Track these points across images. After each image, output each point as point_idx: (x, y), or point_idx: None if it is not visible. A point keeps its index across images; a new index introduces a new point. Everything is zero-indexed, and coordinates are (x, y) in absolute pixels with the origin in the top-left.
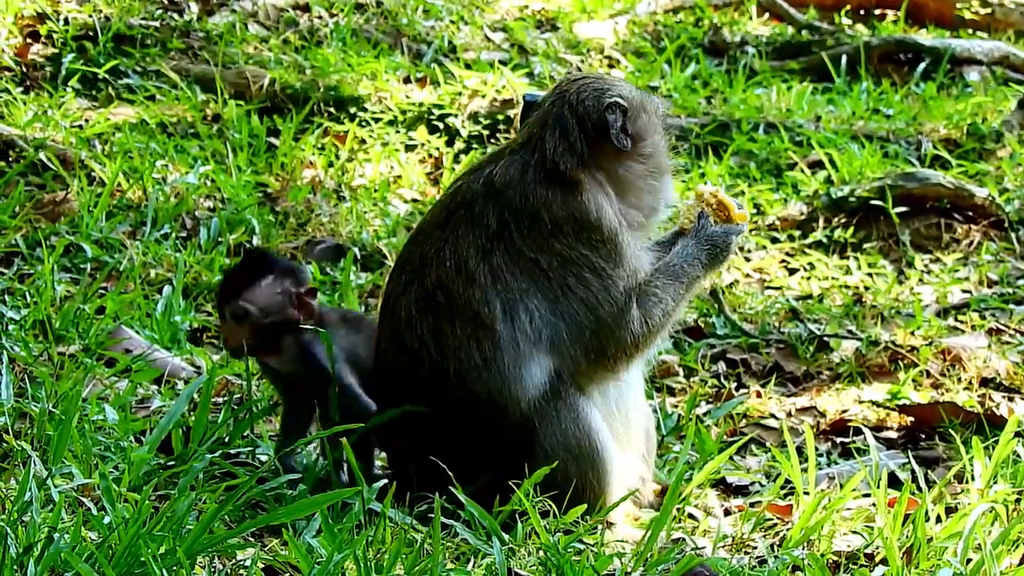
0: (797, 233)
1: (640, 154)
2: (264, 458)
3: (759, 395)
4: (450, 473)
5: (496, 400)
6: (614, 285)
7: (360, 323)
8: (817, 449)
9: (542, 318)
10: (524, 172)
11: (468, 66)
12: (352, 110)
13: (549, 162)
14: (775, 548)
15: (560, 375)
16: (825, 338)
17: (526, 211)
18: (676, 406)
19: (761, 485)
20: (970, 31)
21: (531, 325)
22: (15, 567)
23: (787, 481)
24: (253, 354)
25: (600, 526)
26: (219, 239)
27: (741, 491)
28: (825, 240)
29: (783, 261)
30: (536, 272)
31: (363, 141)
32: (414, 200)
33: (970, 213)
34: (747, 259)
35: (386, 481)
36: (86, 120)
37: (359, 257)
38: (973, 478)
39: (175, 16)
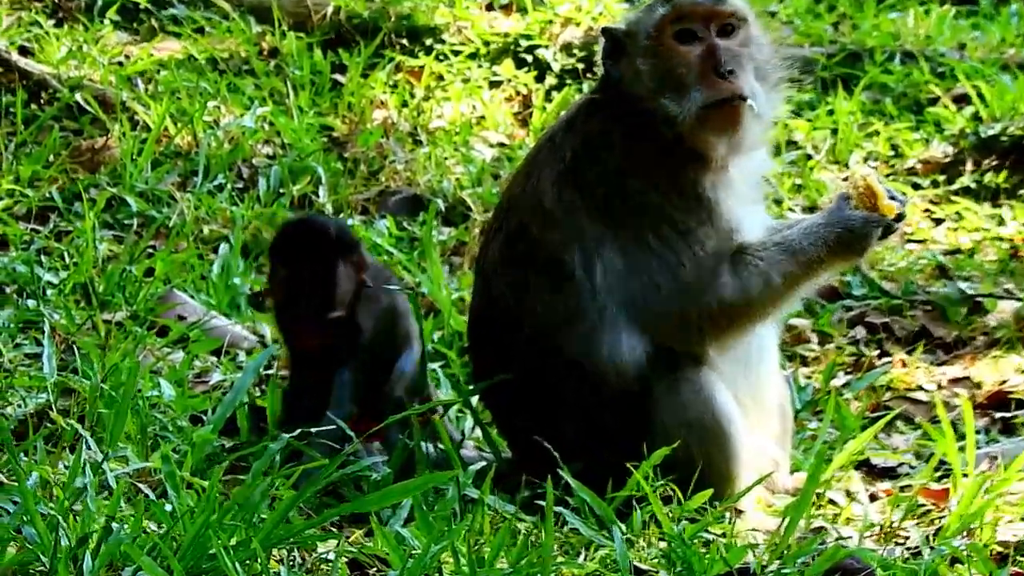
0: (942, 178)
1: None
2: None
3: (904, 364)
4: (554, 453)
5: (587, 367)
6: (699, 245)
7: (382, 274)
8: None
9: (615, 272)
10: (603, 103)
11: None
12: (428, 42)
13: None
14: (931, 538)
15: (663, 342)
16: (979, 299)
17: (598, 143)
18: (810, 377)
19: (911, 467)
20: None
21: (605, 279)
22: (69, 561)
23: (941, 462)
24: (336, 348)
25: (728, 514)
26: (280, 190)
27: (888, 474)
28: (974, 186)
29: (927, 210)
30: (608, 217)
31: (441, 77)
32: (500, 144)
33: None
34: None
35: (484, 464)
36: (127, 56)
37: (441, 209)
38: None
39: None
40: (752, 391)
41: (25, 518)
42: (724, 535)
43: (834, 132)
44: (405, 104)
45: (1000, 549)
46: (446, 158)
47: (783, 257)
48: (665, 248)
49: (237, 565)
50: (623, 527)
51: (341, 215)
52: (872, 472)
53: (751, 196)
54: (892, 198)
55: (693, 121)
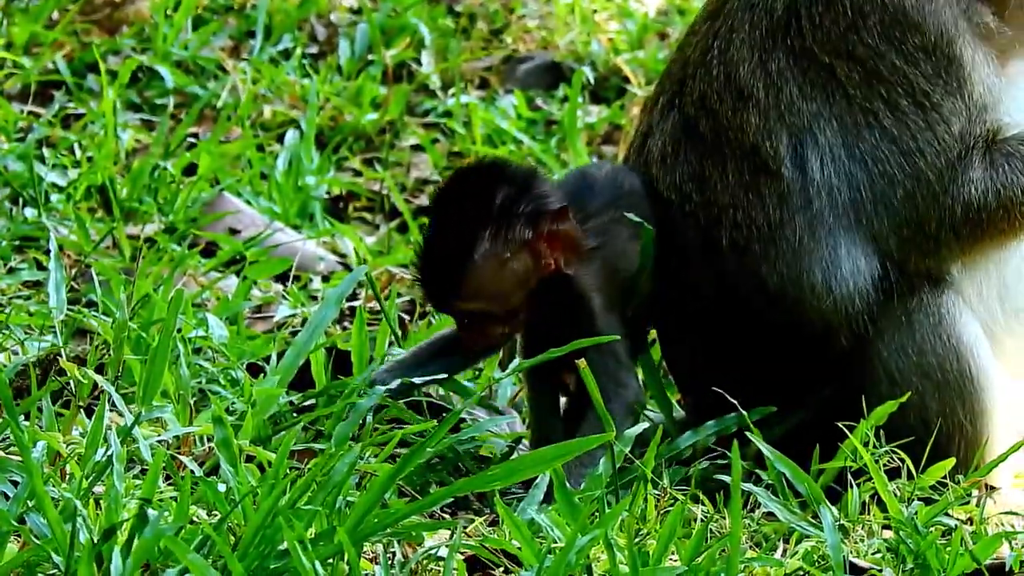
0: None
1: None
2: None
3: None
4: (742, 411)
5: (792, 291)
6: (941, 122)
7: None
8: None
9: (835, 161)
10: None
11: None
12: None
13: None
14: None
15: (893, 257)
16: None
17: None
18: None
19: None
20: None
21: (823, 172)
22: (91, 560)
23: None
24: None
25: (977, 492)
26: (370, 56)
27: None
28: None
29: None
30: (831, 86)
31: None
32: None
33: None
34: None
35: (648, 425)
36: None
37: (589, 81)
38: None
39: None
40: (1011, 326)
41: (31, 503)
42: (970, 521)
43: None
44: None
45: None
46: (594, 11)
47: None
48: (900, 124)
49: (317, 564)
50: (834, 511)
51: (451, 90)
52: None
53: None
54: None
55: None
